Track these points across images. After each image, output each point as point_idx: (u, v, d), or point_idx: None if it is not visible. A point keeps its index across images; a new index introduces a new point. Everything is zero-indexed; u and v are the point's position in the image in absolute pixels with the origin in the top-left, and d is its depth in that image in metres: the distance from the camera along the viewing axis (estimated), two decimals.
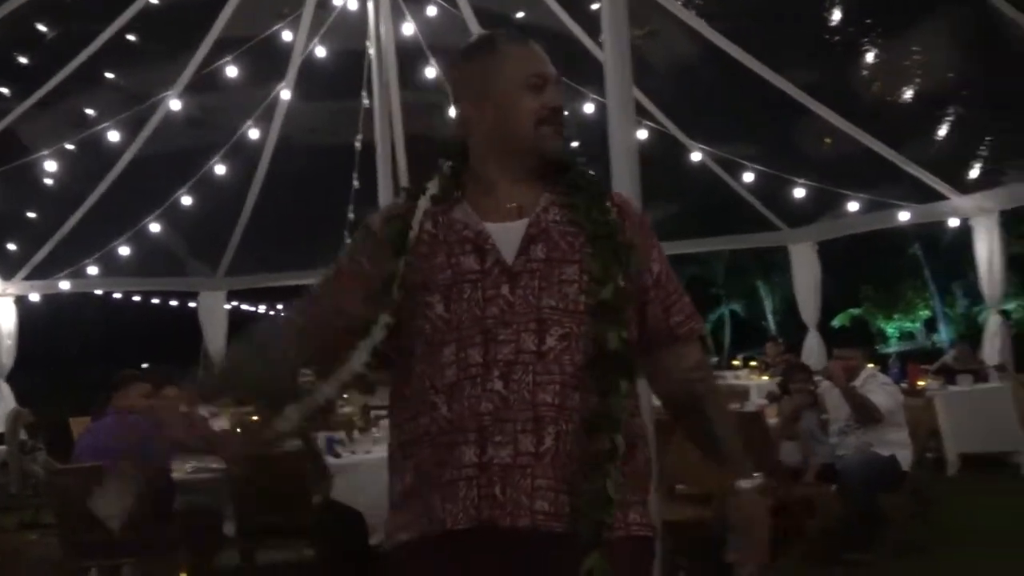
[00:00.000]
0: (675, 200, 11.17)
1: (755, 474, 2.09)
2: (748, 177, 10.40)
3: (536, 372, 1.85)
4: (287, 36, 9.13)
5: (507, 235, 1.94)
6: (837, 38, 8.29)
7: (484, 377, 1.85)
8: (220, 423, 9.49)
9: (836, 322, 23.51)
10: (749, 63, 8.67)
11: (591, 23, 8.10)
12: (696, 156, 10.40)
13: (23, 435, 8.88)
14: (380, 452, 7.01)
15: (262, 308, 24.89)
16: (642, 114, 9.76)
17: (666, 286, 2.09)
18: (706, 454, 2.17)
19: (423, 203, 2.01)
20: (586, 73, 8.95)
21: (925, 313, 26.17)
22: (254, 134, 10.14)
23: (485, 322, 1.87)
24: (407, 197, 2.05)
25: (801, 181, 10.15)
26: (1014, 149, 8.95)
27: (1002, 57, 7.93)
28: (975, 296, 18.75)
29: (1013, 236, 14.29)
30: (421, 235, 1.97)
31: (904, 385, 8.47)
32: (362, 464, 6.87)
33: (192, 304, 12.83)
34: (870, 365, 6.62)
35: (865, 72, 8.69)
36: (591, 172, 2.10)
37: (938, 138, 9.02)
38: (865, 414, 6.08)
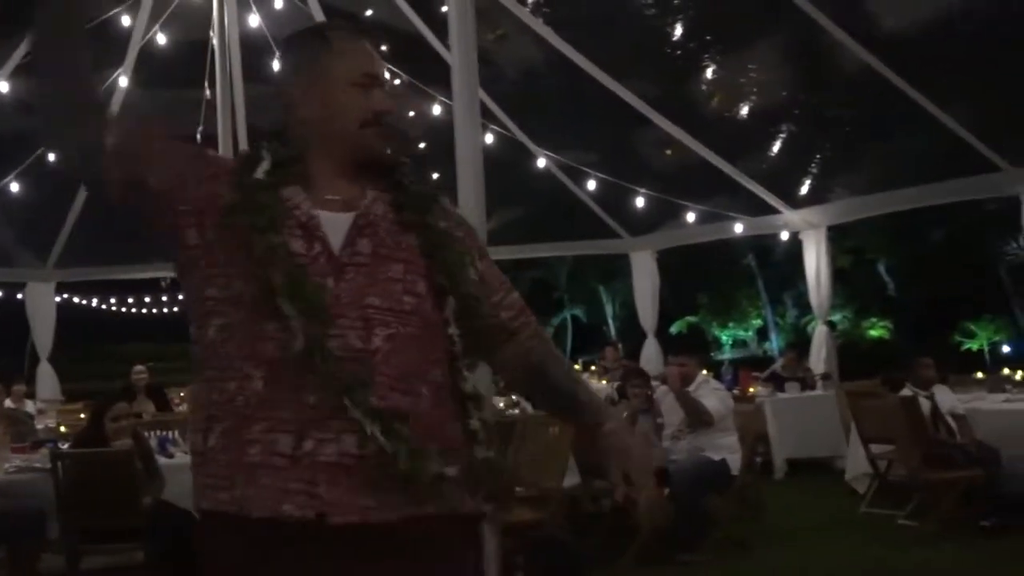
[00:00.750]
0: (520, 204, 11.29)
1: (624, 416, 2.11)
2: (591, 184, 10.59)
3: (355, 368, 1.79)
4: (126, 21, 8.81)
5: (334, 224, 1.87)
6: (679, 52, 8.53)
7: (288, 370, 1.78)
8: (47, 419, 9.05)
9: (674, 328, 24.16)
10: (594, 72, 8.83)
11: (440, 25, 8.10)
12: (541, 162, 10.53)
13: None
14: None
15: (95, 302, 23.97)
16: (489, 118, 9.83)
17: (491, 283, 2.06)
18: (566, 414, 2.17)
19: (262, 169, 1.91)
20: (434, 75, 8.98)
21: (757, 322, 27.11)
22: None
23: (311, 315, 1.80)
24: (245, 161, 1.94)
25: (642, 190, 10.40)
26: (840, 168, 9.38)
27: (830, 79, 8.32)
28: (804, 307, 19.56)
29: (839, 250, 14.96)
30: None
31: (736, 392, 8.76)
32: None
33: (19, 296, 12.20)
34: (704, 372, 6.84)
35: (704, 86, 8.97)
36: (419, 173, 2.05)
37: (771, 154, 9.38)
38: (697, 418, 6.27)
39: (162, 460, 6.40)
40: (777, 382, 9.88)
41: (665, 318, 13.88)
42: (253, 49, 9.74)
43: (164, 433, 6.95)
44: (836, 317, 20.99)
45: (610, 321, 27.29)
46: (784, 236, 11.08)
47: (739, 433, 6.42)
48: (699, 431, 6.30)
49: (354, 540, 1.76)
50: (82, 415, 8.82)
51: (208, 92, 9.58)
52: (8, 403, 9.45)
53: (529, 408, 7.50)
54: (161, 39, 9.08)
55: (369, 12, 9.44)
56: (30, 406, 10.19)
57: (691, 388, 6.42)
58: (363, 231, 1.88)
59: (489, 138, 9.96)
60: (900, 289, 24.71)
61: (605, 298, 27.04)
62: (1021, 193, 7.98)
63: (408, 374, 1.82)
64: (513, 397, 7.60)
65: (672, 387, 6.42)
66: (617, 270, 21.85)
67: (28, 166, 9.94)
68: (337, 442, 1.76)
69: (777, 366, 10.99)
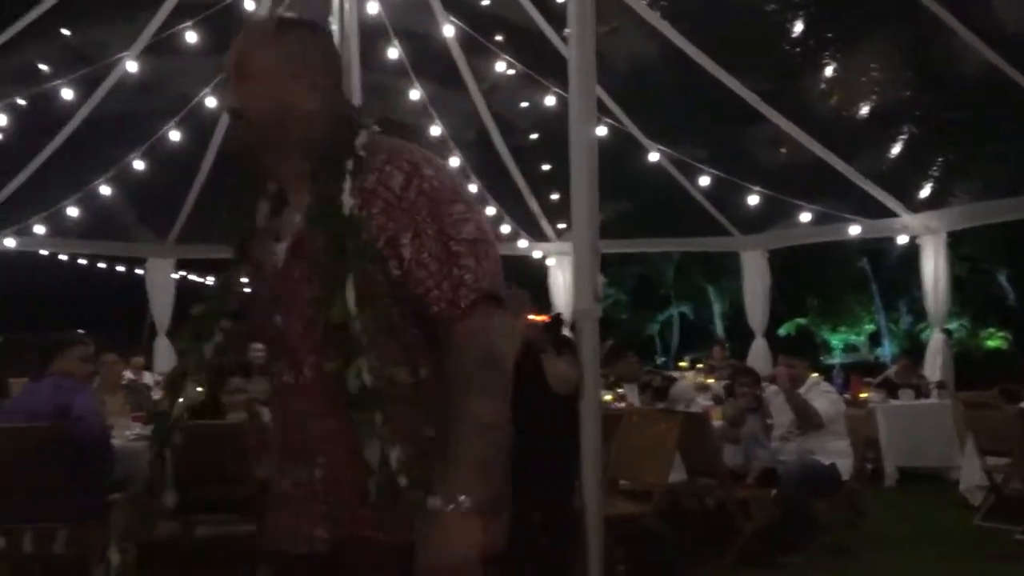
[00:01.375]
0: (631, 198, 11.23)
1: (462, 497, 1.65)
2: (703, 181, 10.47)
3: (298, 404, 1.82)
4: (250, 5, 9.01)
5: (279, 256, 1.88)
6: (797, 49, 8.38)
7: (275, 402, 1.89)
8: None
9: (782, 330, 23.74)
10: (709, 67, 8.72)
11: (557, 18, 8.10)
12: (654, 156, 10.45)
13: None
14: None
15: (211, 280, 24.61)
16: (603, 111, 9.79)
17: (417, 273, 1.75)
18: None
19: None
20: (550, 67, 8.98)
21: (870, 327, 26.48)
22: (211, 102, 10.00)
23: (272, 346, 1.88)
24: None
25: (755, 188, 10.25)
26: (962, 172, 9.11)
27: (953, 80, 8.07)
28: (919, 313, 19.05)
29: (955, 257, 14.55)
30: None
31: (847, 396, 8.58)
32: None
33: (140, 271, 12.58)
34: (814, 374, 6.72)
35: (823, 84, 8.79)
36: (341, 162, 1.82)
37: (891, 155, 9.15)
38: (807, 419, 6.16)
39: None
40: (890, 388, 9.65)
41: (774, 319, 13.64)
42: (371, 37, 9.87)
43: None
44: (952, 325, 20.38)
45: (717, 320, 26.97)
46: (902, 240, 10.81)
47: (850, 438, 6.28)
48: (809, 433, 6.19)
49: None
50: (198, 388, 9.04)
51: None
52: (128, 374, 9.75)
53: (636, 401, 7.47)
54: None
55: (486, 2, 9.49)
56: (148, 378, 10.49)
57: (801, 390, 6.31)
58: (294, 253, 1.84)
59: (602, 131, 9.93)
60: (1020, 299, 23.89)
61: (712, 296, 26.73)
62: None
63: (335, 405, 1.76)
64: (619, 390, 7.56)
65: (781, 386, 6.32)
66: (725, 268, 21.56)
67: (151, 145, 10.26)
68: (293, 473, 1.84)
69: (891, 372, 10.74)
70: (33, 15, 8.36)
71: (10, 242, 11.27)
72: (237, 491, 5.94)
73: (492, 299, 1.76)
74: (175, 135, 10.16)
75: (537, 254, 12.96)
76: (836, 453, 6.14)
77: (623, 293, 26.46)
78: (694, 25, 8.66)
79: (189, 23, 8.88)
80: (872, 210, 10.04)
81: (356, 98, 10.43)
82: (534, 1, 9.07)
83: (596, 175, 4.22)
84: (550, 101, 9.55)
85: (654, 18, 8.66)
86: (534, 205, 11.93)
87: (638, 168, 10.52)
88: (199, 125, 10.22)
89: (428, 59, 10.27)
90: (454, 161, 11.40)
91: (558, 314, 5.87)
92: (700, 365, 11.83)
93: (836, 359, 24.99)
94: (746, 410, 6.47)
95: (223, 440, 5.94)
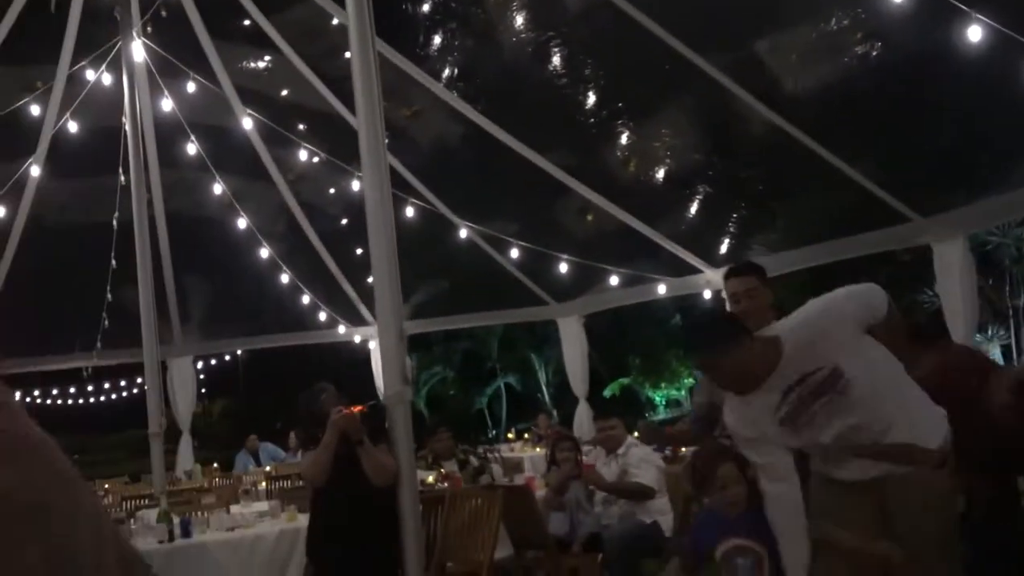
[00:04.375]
0: (446, 276, 11.31)
1: None
2: (515, 253, 10.64)
3: None
4: (36, 110, 8.73)
5: None
6: (592, 120, 8.66)
7: None
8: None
9: (607, 392, 24.17)
10: (512, 144, 8.92)
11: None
12: (463, 233, 10.58)
13: None
14: (139, 545, 6.70)
15: (18, 395, 23.32)
16: (411, 193, 9.88)
17: None
18: None
19: None
20: (353, 152, 9.00)
21: (689, 380, 27.23)
22: (0, 212, 9.58)
23: None
24: None
25: (565, 257, 10.47)
26: (756, 226, 9.55)
27: (740, 140, 8.50)
28: None
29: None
30: None
31: (667, 452, 8.74)
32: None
33: None
34: (631, 435, 6.84)
35: (620, 153, 9.11)
36: None
37: (689, 215, 9.51)
38: (640, 496, 6.28)
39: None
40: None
41: (598, 382, 13.89)
42: (167, 133, 9.70)
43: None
44: None
45: (544, 388, 27.26)
46: (707, 295, 11.20)
47: (669, 494, 6.41)
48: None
49: None
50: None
51: (123, 178, 9.48)
52: None
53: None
54: (73, 126, 8.99)
55: (284, 92, 9.48)
56: None
57: (620, 451, 6.43)
58: None
59: (410, 211, 10.00)
60: None
61: (537, 365, 27.04)
62: (932, 243, 8.17)
63: None
64: (441, 469, 7.52)
65: (599, 485, 6.42)
66: (546, 336, 21.91)
67: None
68: None
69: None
70: None
71: None
72: None
73: None
74: None
75: (357, 338, 12.88)
76: (656, 511, 6.27)
77: (450, 370, 26.51)
78: (492, 104, 8.85)
79: None
80: (677, 268, 10.38)
81: (157, 197, 10.25)
82: (331, 88, 9.10)
83: (395, 255, 4.24)
84: (356, 186, 9.56)
85: (452, 98, 8.82)
86: (350, 290, 11.86)
87: (451, 246, 10.63)
88: None
89: (230, 152, 10.16)
90: (263, 253, 11.25)
91: (374, 402, 5.80)
92: (527, 435, 11.94)
93: (660, 415, 25.61)
94: (569, 477, 6.53)
95: None
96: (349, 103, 8.88)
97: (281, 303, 11.88)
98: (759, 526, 3.99)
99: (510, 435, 13.39)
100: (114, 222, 9.87)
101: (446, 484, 7.17)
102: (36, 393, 24.22)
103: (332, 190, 10.62)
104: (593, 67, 8.17)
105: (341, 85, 8.75)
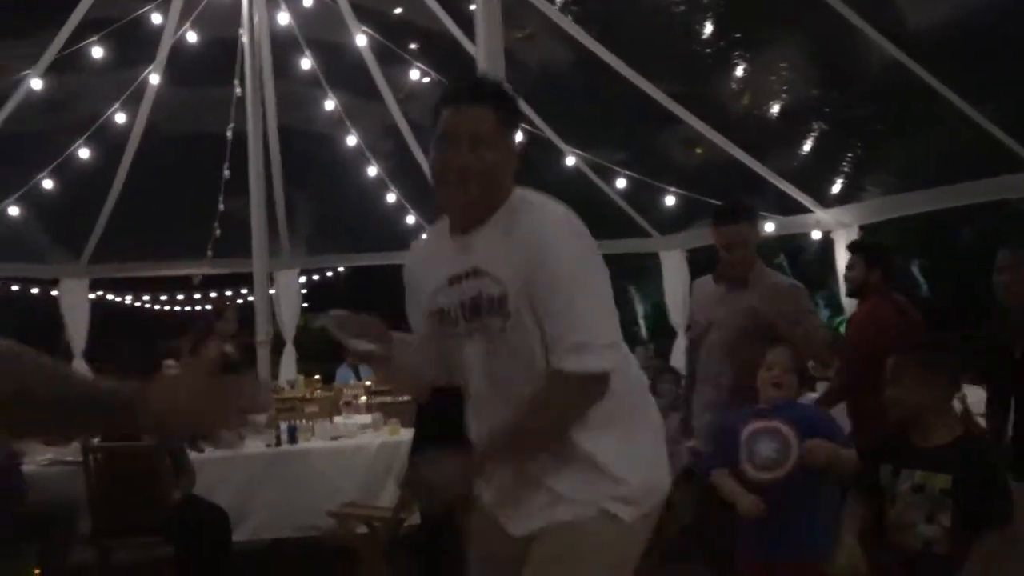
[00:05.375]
0: None
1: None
2: (621, 183, 10.56)
3: None
4: (156, 19, 8.89)
5: None
6: (708, 50, 8.50)
7: None
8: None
9: None
10: (623, 70, 8.80)
11: (469, 24, 8.11)
12: (569, 160, 10.51)
13: None
14: (248, 448, 6.94)
15: (128, 299, 24.09)
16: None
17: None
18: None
19: None
20: (466, 71, 8.98)
21: None
22: (120, 118, 9.83)
23: None
24: None
25: (672, 189, 10.35)
26: (872, 166, 9.30)
27: (858, 77, 8.25)
28: (836, 307, 19.37)
29: None
30: None
31: None
32: (229, 460, 6.77)
33: (54, 292, 12.29)
34: None
35: (734, 85, 8.93)
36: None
37: (802, 152, 9.31)
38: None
39: (193, 455, 6.45)
40: (809, 382, 9.78)
41: None
42: (282, 47, 9.79)
43: None
44: None
45: (640, 321, 27.18)
46: (816, 235, 10.99)
47: None
48: None
49: None
50: None
51: (239, 89, 9.64)
52: None
53: None
54: (191, 37, 9.14)
55: (398, 11, 9.47)
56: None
57: None
58: None
59: (518, 136, 9.95)
60: (933, 290, 24.45)
61: (635, 298, 26.92)
62: None
63: None
64: None
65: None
66: (644, 270, 21.80)
67: (60, 164, 10.04)
68: None
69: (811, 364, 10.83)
70: None
71: None
72: (155, 514, 5.85)
73: None
74: (84, 153, 9.96)
75: None
76: None
77: None
78: (605, 29, 8.73)
79: (95, 38, 8.72)
80: (786, 207, 10.19)
81: (271, 110, 10.39)
82: (446, 7, 9.07)
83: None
84: None
85: (566, 23, 8.72)
86: None
87: (555, 172, 10.58)
88: (109, 142, 10.05)
89: (342, 69, 10.22)
90: (371, 171, 11.36)
91: None
92: None
93: None
94: (667, 409, 6.52)
95: (140, 462, 5.85)
96: (461, 23, 8.88)
97: (386, 222, 11.99)
98: (795, 415, 4.05)
99: None
100: (228, 133, 10.06)
101: None
102: (146, 299, 25.06)
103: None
104: None
105: (455, 6, 8.74)
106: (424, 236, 3.21)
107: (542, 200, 2.73)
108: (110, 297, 21.47)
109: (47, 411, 1.75)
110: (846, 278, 6.75)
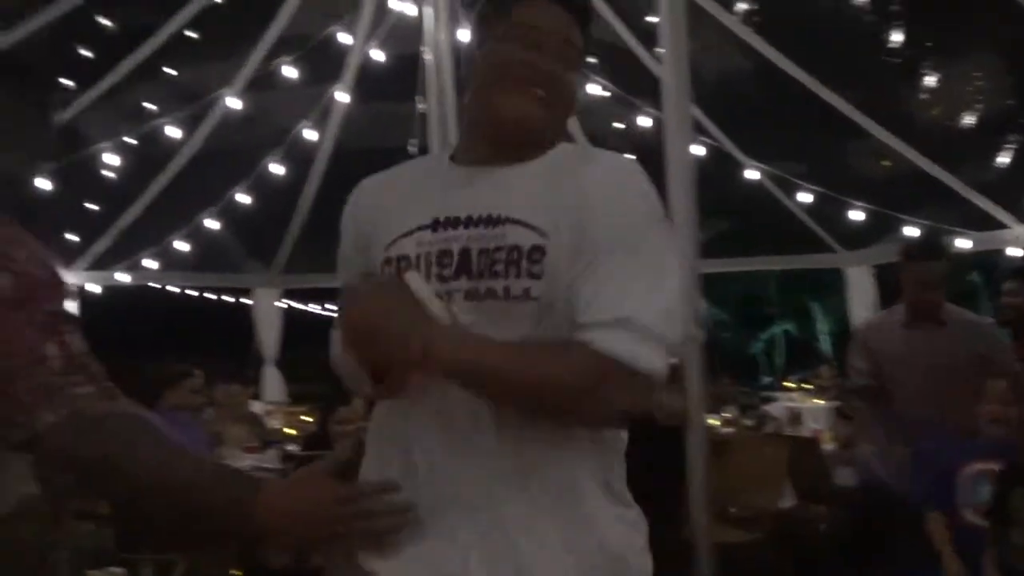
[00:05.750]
0: (724, 217, 11.10)
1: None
2: (801, 196, 10.29)
3: None
4: (344, 38, 9.19)
5: None
6: (896, 60, 8.22)
7: None
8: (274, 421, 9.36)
9: None
10: (805, 80, 8.59)
11: (647, 35, 8.08)
12: (749, 173, 10.32)
13: None
14: None
15: (315, 308, 24.94)
16: (696, 128, 9.72)
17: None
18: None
19: None
20: (643, 88, 8.95)
21: None
22: (310, 134, 10.21)
23: None
24: None
25: (858, 204, 10.02)
26: None
27: None
28: None
29: None
30: None
31: None
32: None
33: (247, 301, 12.87)
34: None
35: (923, 94, 8.60)
36: None
37: (996, 164, 8.88)
38: None
39: None
40: None
41: None
42: (464, 62, 9.95)
43: None
44: None
45: (822, 337, 26.42)
46: (1013, 252, 10.45)
47: None
48: None
49: None
50: (304, 417, 9.18)
51: (421, 105, 9.85)
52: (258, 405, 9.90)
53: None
54: (376, 54, 9.41)
55: None
56: (257, 407, 10.65)
57: None
58: None
59: (699, 150, 9.85)
60: None
61: (817, 313, 26.22)
62: None
63: None
64: (725, 414, 7.46)
65: None
66: (827, 284, 21.18)
67: (254, 178, 10.50)
68: None
69: None
70: (139, 56, 8.68)
71: (123, 277, 11.63)
72: None
73: None
74: (277, 168, 10.39)
75: None
76: None
77: (725, 312, 26.10)
78: (787, 38, 8.55)
79: (289, 58, 9.09)
80: (980, 222, 9.73)
81: (451, 124, 10.58)
82: (624, 19, 9.05)
83: (694, 200, 4.18)
84: (644, 121, 9.50)
85: (746, 33, 8.57)
86: None
87: (735, 185, 10.39)
88: (300, 157, 10.45)
89: None
90: None
91: None
92: (807, 386, 11.56)
93: None
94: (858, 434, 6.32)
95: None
96: (639, 35, 8.85)
97: None
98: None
99: (788, 384, 13.04)
100: (412, 147, 10.30)
101: (732, 429, 7.13)
102: (332, 308, 25.84)
103: (620, 124, 10.58)
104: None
105: (633, 16, 8.71)
106: (389, 170, 2.37)
107: (606, 151, 2.11)
108: (298, 306, 22.31)
109: (135, 486, 1.71)
110: (1006, 305, 5.50)
